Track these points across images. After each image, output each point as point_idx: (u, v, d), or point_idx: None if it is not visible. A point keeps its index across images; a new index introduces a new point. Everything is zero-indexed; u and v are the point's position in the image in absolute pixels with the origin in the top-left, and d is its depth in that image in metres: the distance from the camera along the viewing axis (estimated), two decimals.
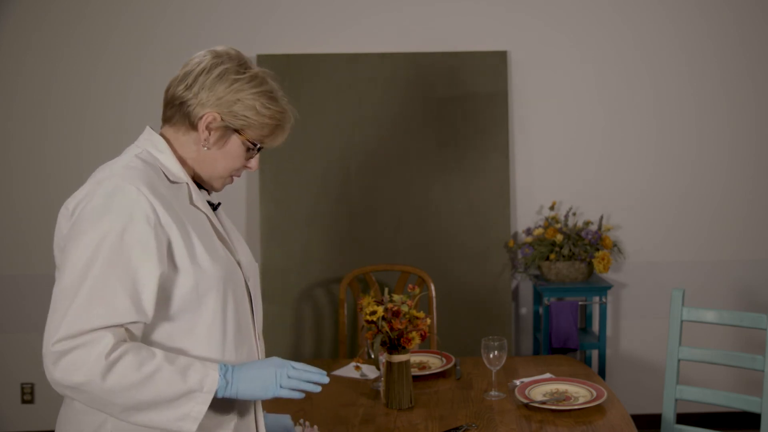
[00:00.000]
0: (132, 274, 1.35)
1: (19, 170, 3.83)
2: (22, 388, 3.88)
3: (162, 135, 1.55)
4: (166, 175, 1.49)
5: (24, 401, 3.88)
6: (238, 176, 1.61)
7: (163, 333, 1.43)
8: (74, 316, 1.31)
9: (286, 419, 1.83)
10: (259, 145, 1.56)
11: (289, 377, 1.45)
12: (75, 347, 1.30)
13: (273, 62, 3.77)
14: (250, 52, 3.77)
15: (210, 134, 1.51)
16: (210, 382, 1.38)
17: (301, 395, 1.47)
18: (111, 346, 1.32)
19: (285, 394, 1.45)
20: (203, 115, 1.49)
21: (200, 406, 1.37)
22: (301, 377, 1.46)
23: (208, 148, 1.52)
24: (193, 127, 1.51)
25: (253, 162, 1.59)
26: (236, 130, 1.52)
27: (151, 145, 1.52)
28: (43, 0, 3.77)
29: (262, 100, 1.54)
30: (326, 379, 1.49)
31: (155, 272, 1.37)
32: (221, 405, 1.48)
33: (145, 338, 1.43)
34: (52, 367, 1.31)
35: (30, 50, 3.79)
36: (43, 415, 3.87)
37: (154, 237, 1.37)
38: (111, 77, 3.81)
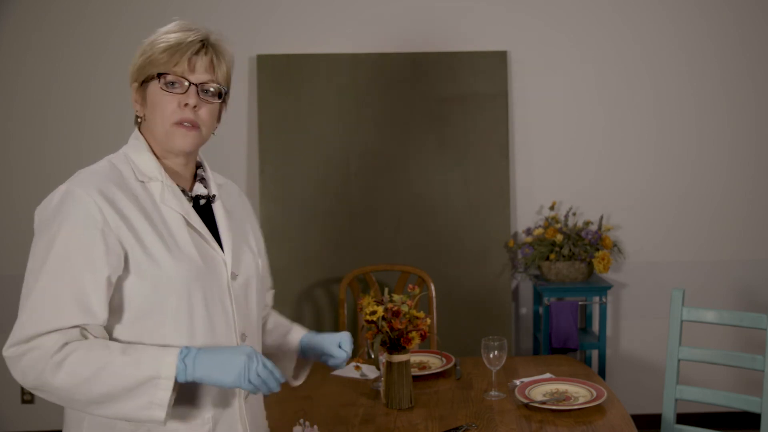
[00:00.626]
0: (77, 277, 1.36)
1: (19, 170, 3.83)
2: (22, 388, 3.88)
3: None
4: (136, 175, 1.49)
5: (24, 401, 3.88)
6: (190, 120, 1.49)
7: (128, 335, 1.43)
8: (24, 321, 1.37)
9: (343, 335, 1.73)
10: (166, 75, 1.47)
11: (258, 375, 1.40)
12: (26, 351, 1.36)
13: (273, 62, 3.77)
14: (250, 52, 3.77)
15: (137, 104, 1.53)
16: (167, 368, 1.35)
17: (257, 392, 1.43)
18: (57, 347, 1.34)
19: (247, 387, 1.40)
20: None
21: (163, 392, 1.35)
22: (267, 379, 1.41)
23: (143, 115, 1.52)
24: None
25: (185, 96, 1.47)
26: (145, 81, 1.50)
27: (132, 145, 1.54)
28: (43, 0, 3.77)
29: (150, 38, 1.52)
30: (278, 389, 1.43)
31: (101, 275, 1.37)
32: (197, 394, 1.47)
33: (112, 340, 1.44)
34: (12, 372, 1.38)
35: (30, 50, 3.79)
36: (43, 415, 3.87)
37: (102, 240, 1.38)
38: (111, 77, 3.81)
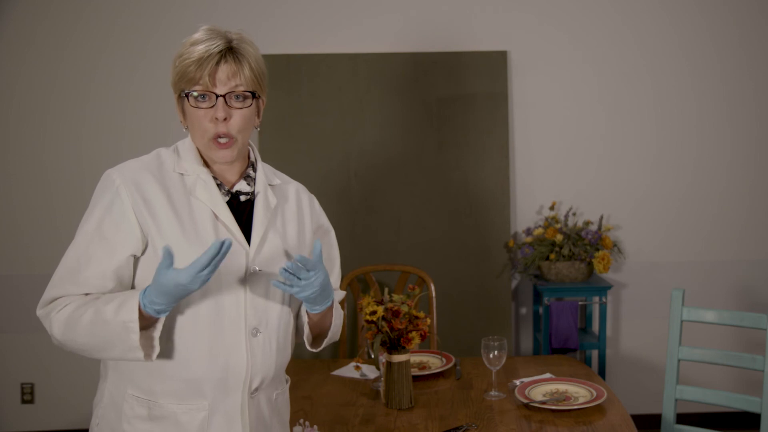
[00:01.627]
0: (93, 252, 1.50)
1: (19, 170, 3.83)
2: (22, 388, 3.88)
3: None
4: (175, 167, 1.59)
5: (24, 401, 3.88)
6: (223, 134, 1.54)
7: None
8: (49, 285, 1.53)
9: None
10: (193, 91, 1.53)
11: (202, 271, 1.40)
12: (48, 312, 1.51)
13: (273, 62, 3.77)
14: None
15: (180, 115, 1.61)
16: (130, 312, 1.43)
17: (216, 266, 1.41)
18: (60, 308, 1.49)
19: (198, 282, 1.41)
20: None
21: (134, 335, 1.43)
22: (197, 265, 1.40)
23: (185, 126, 1.61)
24: None
25: (214, 110, 1.53)
26: (181, 96, 1.58)
27: (183, 142, 1.64)
28: (43, 0, 3.77)
29: (179, 50, 1.57)
30: (221, 245, 1.39)
31: (115, 251, 1.50)
32: (198, 379, 1.52)
33: None
34: (46, 328, 1.53)
35: (30, 50, 3.79)
36: (43, 415, 3.87)
37: (124, 222, 1.50)
38: (111, 77, 3.81)
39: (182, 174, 1.58)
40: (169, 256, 1.39)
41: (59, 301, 1.51)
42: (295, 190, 1.77)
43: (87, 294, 1.51)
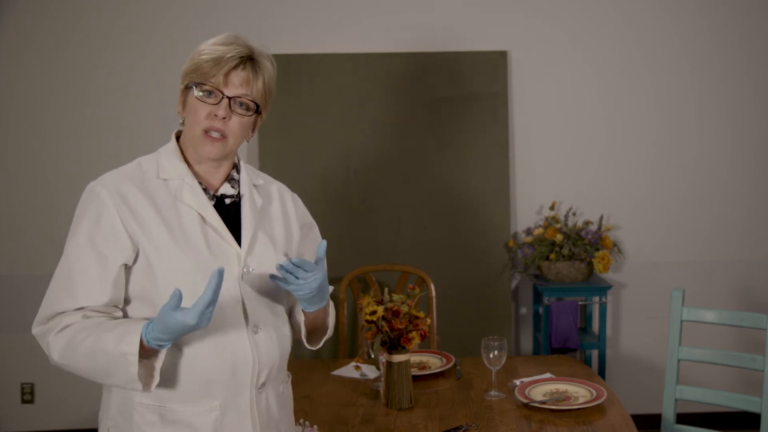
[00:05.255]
0: (86, 266, 1.51)
1: (19, 170, 3.83)
2: (22, 388, 3.88)
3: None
4: (159, 174, 1.59)
5: (24, 401, 3.88)
6: (217, 130, 1.56)
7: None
8: (44, 302, 1.54)
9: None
10: (203, 85, 1.54)
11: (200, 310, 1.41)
12: (46, 332, 1.52)
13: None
14: None
15: (180, 105, 1.62)
16: (130, 345, 1.43)
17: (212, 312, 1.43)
18: (59, 328, 1.50)
19: (204, 321, 1.42)
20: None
21: (132, 367, 1.43)
22: (203, 303, 1.41)
23: (182, 117, 1.61)
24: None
25: (216, 108, 1.55)
26: (188, 87, 1.58)
27: (165, 147, 1.64)
28: (43, 0, 3.77)
29: (201, 46, 1.58)
30: (220, 276, 1.41)
31: (109, 264, 1.51)
32: (207, 380, 1.53)
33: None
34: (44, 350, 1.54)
35: (30, 50, 3.79)
36: (42, 415, 3.87)
37: (113, 234, 1.51)
38: (111, 77, 3.80)
39: (166, 180, 1.59)
40: (176, 299, 1.39)
41: (56, 321, 1.51)
42: (277, 190, 1.78)
43: (82, 310, 1.51)
